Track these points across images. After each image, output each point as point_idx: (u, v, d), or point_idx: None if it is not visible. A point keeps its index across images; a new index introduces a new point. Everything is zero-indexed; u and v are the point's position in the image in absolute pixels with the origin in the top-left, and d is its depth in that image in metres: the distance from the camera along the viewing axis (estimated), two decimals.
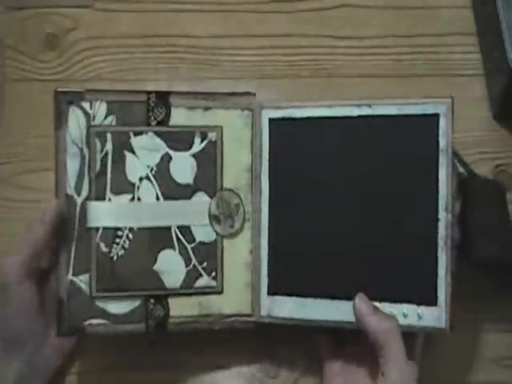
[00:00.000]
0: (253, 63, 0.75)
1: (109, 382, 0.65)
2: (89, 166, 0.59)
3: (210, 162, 0.60)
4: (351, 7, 0.76)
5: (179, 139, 0.60)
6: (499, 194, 0.63)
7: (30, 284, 0.58)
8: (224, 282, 0.60)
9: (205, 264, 0.60)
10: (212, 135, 0.60)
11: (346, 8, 0.77)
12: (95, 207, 0.59)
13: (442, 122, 0.55)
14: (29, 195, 0.72)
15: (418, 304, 0.55)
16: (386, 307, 0.55)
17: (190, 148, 0.60)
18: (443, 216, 0.54)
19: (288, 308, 0.59)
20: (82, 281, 0.59)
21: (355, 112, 0.58)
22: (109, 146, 0.59)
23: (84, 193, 0.59)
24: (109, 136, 0.59)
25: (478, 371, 0.64)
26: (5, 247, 0.70)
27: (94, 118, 0.59)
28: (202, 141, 0.60)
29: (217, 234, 0.60)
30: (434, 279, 0.54)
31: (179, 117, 0.60)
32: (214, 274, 0.60)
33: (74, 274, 0.59)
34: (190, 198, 0.60)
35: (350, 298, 0.55)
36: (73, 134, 0.59)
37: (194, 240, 0.60)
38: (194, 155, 0.60)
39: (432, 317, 0.54)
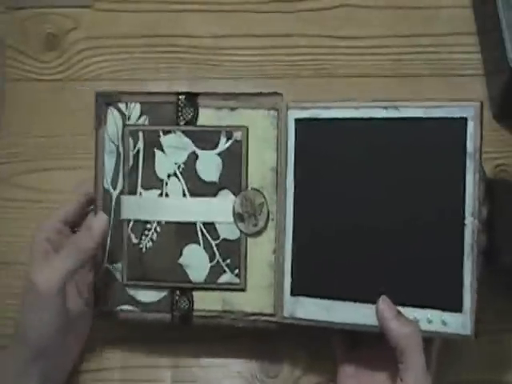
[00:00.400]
0: (253, 63, 0.75)
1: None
2: (123, 163, 0.62)
3: (235, 161, 0.61)
4: (351, 7, 0.76)
5: (206, 138, 0.62)
6: None
7: (62, 296, 0.57)
8: (247, 280, 0.61)
9: (228, 261, 0.61)
10: (237, 134, 0.61)
11: (346, 8, 0.77)
12: (127, 201, 0.62)
13: (470, 126, 0.53)
14: (29, 195, 0.72)
15: (443, 310, 0.54)
16: (410, 312, 0.55)
17: (216, 147, 0.61)
18: (470, 222, 0.53)
19: (311, 310, 0.58)
20: (116, 269, 0.62)
21: (382, 114, 0.57)
22: (140, 144, 0.62)
23: (119, 187, 0.62)
24: (140, 135, 0.62)
25: (479, 371, 0.64)
26: (5, 247, 0.70)
27: (129, 117, 0.63)
28: (227, 140, 0.61)
29: (241, 232, 0.61)
30: (460, 286, 0.53)
31: (206, 117, 0.62)
32: (237, 271, 0.61)
33: (109, 262, 0.62)
34: (215, 195, 0.61)
35: (374, 301, 0.55)
36: (110, 132, 0.63)
37: (219, 237, 0.61)
38: (219, 154, 0.61)
39: (457, 324, 0.53)
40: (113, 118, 0.63)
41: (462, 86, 0.73)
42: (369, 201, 0.57)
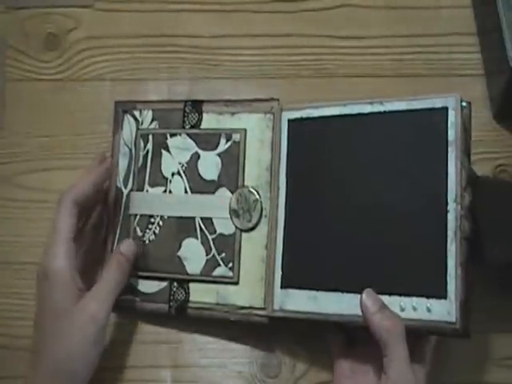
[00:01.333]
0: (253, 63, 0.75)
1: None
2: (134, 162, 0.68)
3: (233, 161, 0.65)
4: (351, 7, 0.76)
5: (207, 140, 0.66)
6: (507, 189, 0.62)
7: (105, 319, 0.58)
8: (240, 274, 0.63)
9: (223, 254, 0.64)
10: (236, 136, 0.65)
11: (347, 8, 0.76)
12: (135, 196, 0.67)
13: (451, 115, 0.55)
14: (30, 195, 0.72)
15: (428, 297, 0.54)
16: (396, 300, 0.55)
17: (216, 148, 0.66)
18: (452, 207, 0.54)
19: (300, 301, 0.59)
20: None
21: (367, 109, 0.60)
22: (149, 146, 0.67)
23: (129, 186, 0.67)
24: (150, 137, 0.67)
25: (478, 371, 0.64)
26: (6, 247, 0.70)
27: (142, 123, 0.68)
28: (227, 141, 0.66)
29: (235, 227, 0.64)
30: (444, 271, 0.53)
31: (210, 121, 0.67)
32: (231, 264, 0.63)
33: None
34: (213, 192, 0.65)
35: (359, 291, 0.56)
36: (125, 137, 0.69)
37: (215, 231, 0.64)
38: (219, 154, 0.66)
39: (442, 311, 0.53)
40: (128, 123, 0.69)
41: (462, 85, 0.73)
42: (355, 193, 0.58)
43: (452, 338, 0.55)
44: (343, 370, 0.60)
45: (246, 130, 0.65)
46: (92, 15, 0.78)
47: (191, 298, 0.64)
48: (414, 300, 0.54)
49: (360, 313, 0.55)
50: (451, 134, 0.55)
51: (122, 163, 0.68)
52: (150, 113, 0.68)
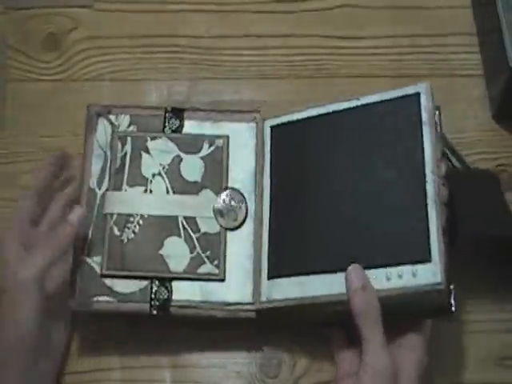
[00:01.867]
0: (253, 63, 0.75)
1: None
2: (110, 164, 0.66)
3: (216, 165, 0.66)
4: (351, 7, 0.77)
5: (189, 144, 0.66)
6: (492, 181, 0.65)
7: (41, 286, 0.58)
8: (226, 271, 0.63)
9: (208, 252, 0.63)
10: (219, 142, 0.66)
11: (347, 8, 0.77)
12: (112, 196, 0.65)
13: (423, 99, 0.60)
14: None
15: (413, 263, 0.55)
16: (382, 272, 0.56)
17: (199, 151, 0.66)
18: (430, 177, 0.57)
19: (287, 289, 0.60)
20: (95, 261, 0.63)
21: (344, 106, 0.63)
22: (128, 148, 0.66)
23: (104, 187, 0.65)
24: (129, 139, 0.66)
25: (478, 371, 0.64)
26: None
27: (118, 126, 0.67)
28: (210, 146, 0.66)
29: (220, 226, 0.64)
30: (427, 236, 0.55)
31: (191, 127, 0.67)
32: (216, 262, 0.63)
33: (88, 256, 0.64)
34: (197, 193, 0.65)
35: (345, 269, 0.57)
36: (100, 139, 0.67)
37: (199, 230, 0.64)
38: (202, 158, 0.66)
39: (427, 273, 0.55)
40: (103, 127, 0.67)
41: (462, 85, 0.73)
42: (336, 178, 0.61)
43: (437, 312, 0.57)
44: (345, 367, 0.60)
45: (228, 137, 0.66)
46: (92, 15, 0.78)
47: (174, 297, 0.62)
48: (399, 268, 0.56)
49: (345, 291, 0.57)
50: (424, 116, 0.59)
51: (96, 165, 0.66)
52: (128, 117, 0.67)
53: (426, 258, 0.55)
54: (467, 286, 0.60)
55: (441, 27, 0.75)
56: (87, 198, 0.65)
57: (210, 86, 0.74)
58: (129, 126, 0.67)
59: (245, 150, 0.66)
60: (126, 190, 0.65)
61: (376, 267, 0.57)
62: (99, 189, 0.65)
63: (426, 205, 0.56)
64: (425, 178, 0.57)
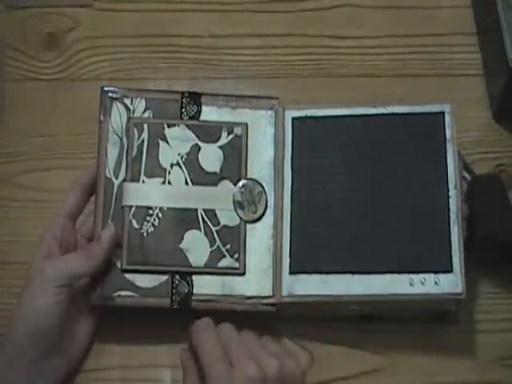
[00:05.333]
0: (253, 63, 0.75)
1: None
2: (126, 152, 0.65)
3: (235, 154, 0.65)
4: (351, 7, 0.77)
5: (208, 132, 0.65)
6: (498, 185, 0.66)
7: (66, 294, 0.59)
8: (246, 264, 0.63)
9: (228, 246, 0.63)
10: (238, 130, 0.65)
11: (346, 8, 0.77)
12: (130, 188, 0.64)
13: (447, 118, 0.63)
14: (29, 195, 0.71)
15: (435, 272, 0.59)
16: (405, 278, 0.59)
17: (218, 140, 0.65)
18: (453, 193, 0.61)
19: (310, 285, 0.61)
20: (115, 255, 0.63)
21: (371, 111, 0.65)
22: (145, 135, 0.65)
23: (121, 176, 0.64)
24: (145, 126, 0.65)
25: (479, 371, 0.64)
26: (5, 247, 0.70)
27: (133, 112, 0.65)
28: (228, 134, 0.65)
29: (240, 218, 0.64)
30: (449, 248, 0.59)
31: (209, 114, 0.66)
32: (236, 255, 0.63)
33: None
34: (216, 184, 0.65)
35: (369, 272, 0.60)
36: (114, 125, 0.65)
37: (219, 223, 0.64)
38: (221, 147, 0.65)
39: (448, 283, 0.59)
40: (118, 111, 0.65)
41: (462, 85, 0.73)
42: (361, 184, 0.63)
43: (442, 318, 0.63)
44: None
45: (247, 125, 0.66)
46: (91, 15, 0.78)
47: (195, 291, 0.62)
48: (422, 276, 0.59)
49: (370, 292, 0.59)
50: (448, 133, 0.63)
51: (112, 152, 0.64)
52: (143, 102, 0.65)
53: (447, 269, 0.59)
54: (468, 285, 0.59)
55: (441, 27, 0.75)
56: (104, 188, 0.64)
57: (209, 86, 0.74)
58: (144, 111, 0.65)
59: (262, 139, 0.66)
60: (143, 182, 0.64)
61: (399, 272, 0.60)
62: (116, 178, 0.64)
63: (449, 218, 0.60)
64: (448, 192, 0.61)
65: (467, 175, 0.66)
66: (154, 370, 0.65)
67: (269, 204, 0.64)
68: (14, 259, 0.69)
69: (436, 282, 0.59)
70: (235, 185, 0.64)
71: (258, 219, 0.64)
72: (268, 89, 0.73)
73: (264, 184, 0.65)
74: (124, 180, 0.64)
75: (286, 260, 0.62)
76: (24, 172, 0.72)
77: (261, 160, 0.65)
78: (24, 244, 0.70)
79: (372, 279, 0.60)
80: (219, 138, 0.65)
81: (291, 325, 0.65)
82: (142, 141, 0.65)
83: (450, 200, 0.61)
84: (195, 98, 0.66)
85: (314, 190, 0.64)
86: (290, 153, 0.65)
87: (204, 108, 0.66)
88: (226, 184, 0.64)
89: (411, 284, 0.59)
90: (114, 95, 0.65)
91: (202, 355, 0.54)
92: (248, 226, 0.64)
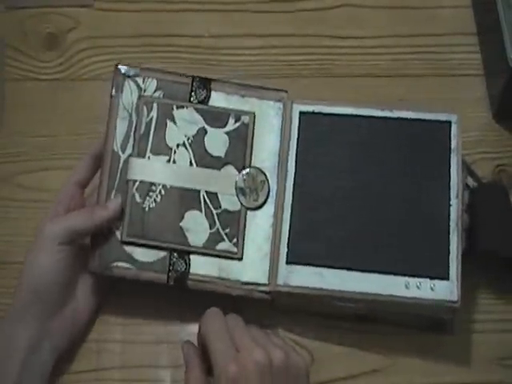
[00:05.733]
0: (253, 63, 0.75)
1: None
2: (135, 129, 0.65)
3: (241, 141, 0.66)
4: (351, 7, 0.77)
5: (216, 117, 0.66)
6: (502, 195, 0.66)
7: (66, 249, 0.61)
8: (244, 250, 0.64)
9: (227, 230, 0.64)
10: (245, 118, 0.66)
11: (347, 8, 0.77)
12: (135, 163, 0.65)
13: (454, 128, 0.63)
14: (29, 195, 0.72)
15: (431, 278, 0.59)
16: (401, 280, 0.60)
17: (225, 126, 0.66)
18: (454, 202, 0.61)
19: (306, 277, 0.61)
20: (115, 226, 0.64)
21: (378, 113, 0.65)
22: (154, 114, 0.66)
23: (128, 151, 0.65)
24: (155, 105, 0.66)
25: (478, 371, 0.64)
26: (5, 247, 0.70)
27: (144, 90, 0.66)
28: (235, 121, 0.66)
29: (241, 204, 0.64)
30: (447, 256, 0.60)
31: (218, 100, 0.67)
32: (235, 240, 0.64)
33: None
34: (219, 169, 0.65)
35: (367, 270, 0.60)
36: (125, 101, 0.66)
37: (220, 206, 0.64)
38: (227, 133, 0.66)
39: (444, 290, 0.59)
40: (129, 88, 0.66)
41: (462, 85, 0.73)
42: (364, 183, 0.64)
43: (437, 327, 0.63)
44: None
45: (254, 114, 0.66)
46: (91, 15, 0.78)
47: (192, 271, 0.63)
48: (418, 280, 0.60)
49: (367, 290, 0.59)
50: (453, 143, 0.63)
51: (121, 127, 0.66)
52: (155, 82, 0.66)
53: (444, 276, 0.59)
54: (467, 285, 0.59)
55: (441, 27, 0.75)
56: (110, 161, 0.65)
57: None
58: (155, 91, 0.66)
59: (269, 129, 0.66)
60: (149, 158, 0.65)
61: (395, 274, 0.60)
62: (123, 152, 0.65)
63: (449, 227, 0.61)
64: (449, 201, 0.61)
65: (471, 181, 0.66)
66: (154, 370, 0.65)
67: (271, 193, 0.65)
68: (13, 259, 0.69)
69: (432, 288, 0.59)
70: (239, 172, 0.65)
71: (259, 207, 0.65)
72: None
73: (267, 173, 0.65)
74: (130, 155, 0.65)
75: (284, 249, 0.63)
76: (24, 172, 0.72)
77: (266, 150, 0.66)
78: (24, 244, 0.69)
79: (368, 278, 0.60)
80: (226, 123, 0.66)
81: (291, 325, 0.65)
82: (151, 119, 0.65)
83: (451, 208, 0.61)
84: (205, 83, 0.67)
85: (316, 184, 0.64)
86: (295, 146, 0.66)
87: (213, 94, 0.66)
88: (230, 169, 0.65)
89: (407, 287, 0.59)
90: (128, 73, 0.66)
91: (209, 343, 0.54)
92: (249, 212, 0.64)
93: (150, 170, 0.64)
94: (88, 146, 0.72)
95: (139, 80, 0.66)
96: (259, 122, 0.66)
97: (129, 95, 0.66)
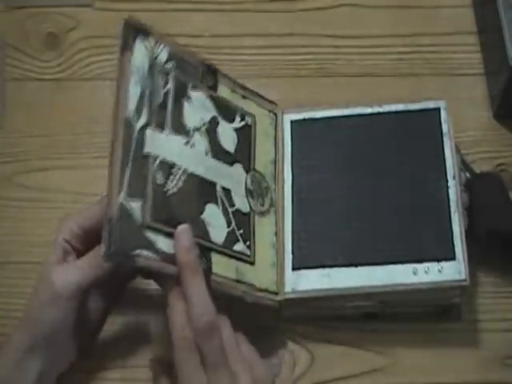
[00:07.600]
0: (253, 63, 0.75)
1: None
2: (150, 95, 0.58)
3: (246, 141, 0.65)
4: (351, 7, 0.77)
5: (225, 109, 0.64)
6: (497, 181, 0.67)
7: (78, 300, 0.58)
8: (255, 254, 0.62)
9: (241, 231, 0.61)
10: (248, 119, 0.65)
11: (347, 8, 0.77)
12: (155, 136, 0.57)
13: (443, 113, 0.65)
14: (29, 194, 0.71)
15: (438, 261, 0.60)
16: (409, 267, 0.60)
17: (233, 122, 0.64)
18: (452, 184, 0.62)
19: (313, 280, 0.61)
20: (134, 207, 0.54)
21: (367, 111, 0.67)
22: (171, 86, 0.60)
23: (142, 120, 0.57)
24: (170, 78, 0.60)
25: (480, 370, 0.64)
26: (5, 246, 0.70)
27: (156, 57, 0.59)
28: (241, 120, 0.65)
29: (250, 207, 0.63)
30: (451, 237, 0.61)
31: (224, 92, 0.64)
32: (248, 242, 0.62)
33: (127, 197, 0.54)
34: (231, 165, 0.63)
35: (373, 263, 0.61)
36: (137, 62, 0.58)
37: (234, 205, 0.62)
38: (235, 129, 0.64)
39: (452, 270, 0.60)
40: (140, 50, 0.58)
41: (462, 85, 0.73)
42: (361, 179, 0.65)
43: (449, 313, 0.64)
44: None
45: (255, 117, 0.66)
46: (92, 15, 0.78)
47: (214, 270, 0.57)
48: (425, 265, 0.60)
49: (375, 283, 0.60)
50: (445, 128, 0.65)
51: (134, 90, 0.57)
52: (167, 50, 0.60)
53: (450, 256, 0.60)
54: (471, 276, 0.59)
55: (441, 26, 0.75)
56: (123, 130, 0.55)
57: None
58: (167, 61, 0.60)
59: (265, 138, 0.66)
60: (168, 135, 0.58)
61: (402, 262, 0.60)
62: (137, 120, 0.56)
63: (449, 208, 0.62)
64: (447, 183, 0.62)
65: (467, 174, 0.67)
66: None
67: (272, 201, 0.65)
68: (13, 259, 0.69)
69: (439, 270, 0.60)
70: (247, 173, 0.64)
71: (264, 213, 0.64)
72: (268, 89, 0.73)
73: (268, 181, 0.65)
74: (147, 124, 0.57)
75: (289, 257, 0.63)
76: (24, 172, 0.72)
77: (264, 157, 0.66)
78: (24, 244, 0.70)
79: (375, 271, 0.60)
80: (234, 119, 0.64)
81: (291, 324, 0.65)
82: (168, 91, 0.59)
83: (450, 190, 0.62)
84: (212, 70, 0.64)
85: (314, 188, 0.65)
86: (289, 154, 0.66)
87: (220, 85, 0.64)
88: (239, 168, 0.63)
89: (415, 273, 0.60)
90: (138, 28, 0.59)
91: (177, 366, 0.53)
92: (256, 217, 0.63)
93: (171, 148, 0.58)
94: (88, 145, 0.72)
95: (151, 41, 0.59)
96: (259, 128, 0.66)
97: (140, 56, 0.58)
